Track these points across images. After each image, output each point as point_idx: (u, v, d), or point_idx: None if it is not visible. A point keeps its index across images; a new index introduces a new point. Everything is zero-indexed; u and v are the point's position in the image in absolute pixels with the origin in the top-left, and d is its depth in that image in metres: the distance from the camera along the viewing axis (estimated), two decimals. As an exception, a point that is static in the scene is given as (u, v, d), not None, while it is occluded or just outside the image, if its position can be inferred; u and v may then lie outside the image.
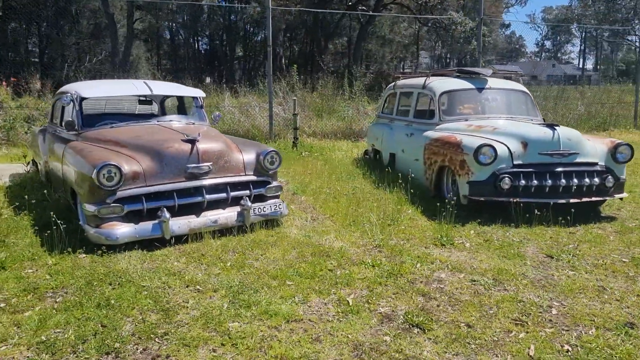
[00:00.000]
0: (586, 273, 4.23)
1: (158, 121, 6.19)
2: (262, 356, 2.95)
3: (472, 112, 7.13)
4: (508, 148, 5.69)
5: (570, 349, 3.05)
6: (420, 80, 7.95)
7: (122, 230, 4.67)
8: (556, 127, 5.82)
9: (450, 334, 3.20)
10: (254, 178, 5.41)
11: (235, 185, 5.28)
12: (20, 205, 5.93)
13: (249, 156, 5.46)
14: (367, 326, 3.31)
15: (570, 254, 4.62)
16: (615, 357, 2.96)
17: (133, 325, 3.27)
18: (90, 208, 4.68)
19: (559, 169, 5.66)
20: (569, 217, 5.44)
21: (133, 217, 4.82)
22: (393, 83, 9.08)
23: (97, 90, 6.25)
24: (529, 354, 2.98)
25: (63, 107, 6.52)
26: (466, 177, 5.76)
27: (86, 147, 5.26)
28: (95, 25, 27.98)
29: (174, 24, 32.44)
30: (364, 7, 25.28)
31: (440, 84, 7.35)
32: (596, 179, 5.74)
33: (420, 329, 3.27)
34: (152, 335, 3.16)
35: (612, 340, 3.14)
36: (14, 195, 6.59)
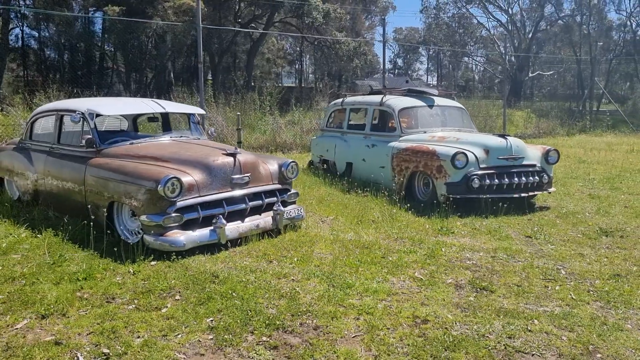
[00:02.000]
0: (562, 246, 5.62)
1: (171, 137, 6.56)
2: (398, 318, 3.77)
3: (426, 125, 8.45)
4: (474, 155, 7.03)
5: (592, 292, 4.31)
6: (374, 98, 9.11)
7: (186, 237, 5.10)
8: (507, 137, 7.32)
9: (511, 292, 4.30)
10: (279, 186, 6.10)
11: (267, 193, 5.93)
12: (30, 226, 5.96)
13: (273, 167, 6.14)
14: (449, 292, 4.28)
15: (542, 234, 6.03)
16: (619, 294, 4.27)
17: (274, 309, 3.89)
18: (153, 219, 5.03)
19: (513, 170, 7.14)
20: (523, 208, 6.92)
21: (187, 225, 5.27)
22: (340, 100, 10.16)
23: (113, 109, 6.44)
24: (572, 297, 4.18)
25: (61, 125, 6.58)
26: (443, 180, 6.99)
27: (127, 163, 5.54)
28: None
29: (44, 33, 30.32)
30: (253, 25, 26.16)
31: (398, 101, 8.57)
32: (536, 177, 7.31)
33: (487, 290, 4.33)
34: (298, 313, 3.81)
35: (610, 285, 4.47)
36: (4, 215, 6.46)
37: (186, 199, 5.19)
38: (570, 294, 4.24)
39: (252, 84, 25.13)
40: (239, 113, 11.39)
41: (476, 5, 43.09)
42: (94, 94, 16.59)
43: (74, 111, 6.27)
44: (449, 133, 7.96)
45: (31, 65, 32.47)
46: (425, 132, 8.16)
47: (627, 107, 30.35)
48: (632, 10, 35.93)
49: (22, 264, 4.81)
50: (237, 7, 26.64)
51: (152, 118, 7.17)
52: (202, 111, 7.10)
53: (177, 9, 19.87)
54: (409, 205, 7.13)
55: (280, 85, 40.12)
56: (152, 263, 4.85)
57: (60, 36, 27.08)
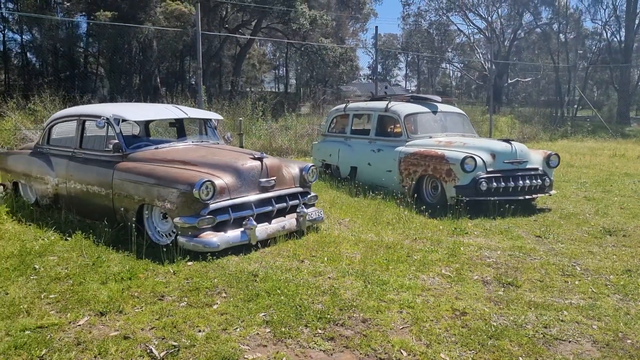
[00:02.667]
0: (571, 245, 5.96)
1: (193, 142, 6.74)
2: (438, 311, 4.03)
3: (431, 131, 8.76)
4: (482, 159, 7.36)
5: (609, 286, 4.63)
6: (378, 104, 9.41)
7: (219, 238, 5.29)
8: (512, 142, 7.67)
9: (535, 287, 4.60)
10: (300, 189, 6.33)
11: (290, 196, 6.15)
12: (57, 229, 6.08)
13: (294, 171, 6.37)
14: (479, 287, 4.56)
15: (551, 234, 6.37)
16: (634, 287, 4.60)
17: (320, 305, 4.11)
18: (187, 221, 5.21)
19: (518, 174, 7.49)
20: (528, 209, 7.27)
21: (217, 227, 5.45)
22: (343, 105, 10.43)
23: (138, 114, 6.59)
24: (592, 291, 4.49)
25: (83, 130, 6.70)
26: (453, 183, 7.30)
27: (158, 167, 5.70)
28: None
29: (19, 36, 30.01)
30: (241, 31, 26.33)
31: (403, 107, 8.88)
32: (539, 180, 7.68)
33: (513, 285, 4.62)
34: (344, 308, 4.05)
35: (624, 280, 4.80)
36: (25, 218, 6.54)
37: (218, 202, 5.38)
38: (591, 288, 4.56)
39: (240, 89, 25.21)
40: (241, 118, 11.59)
41: (456, 13, 44.01)
42: (76, 97, 16.50)
43: (97, 117, 6.40)
44: (454, 138, 8.28)
45: (13, 70, 32.06)
46: (430, 137, 8.48)
47: (603, 113, 31.39)
48: (607, 19, 37.13)
49: (61, 265, 4.94)
50: (225, 13, 26.77)
51: (173, 124, 7.32)
52: (220, 117, 7.29)
53: (169, 14, 19.95)
54: (419, 207, 7.41)
55: (265, 90, 40.36)
56: (189, 263, 5.02)
57: (44, 40, 26.81)
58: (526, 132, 22.13)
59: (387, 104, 9.09)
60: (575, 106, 35.28)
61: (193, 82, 34.46)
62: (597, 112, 28.90)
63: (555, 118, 27.93)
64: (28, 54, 30.90)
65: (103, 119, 6.31)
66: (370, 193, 8.32)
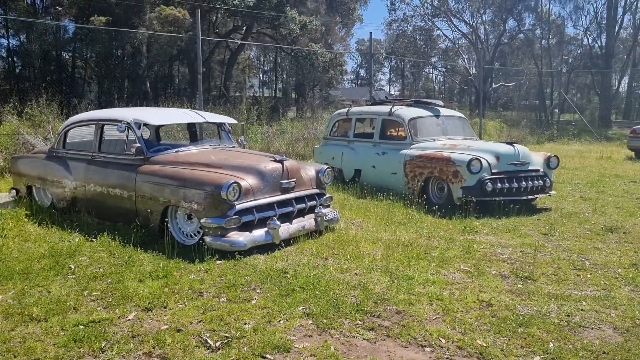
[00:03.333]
0: (577, 242, 6.27)
1: (210, 145, 6.93)
2: (466, 302, 4.28)
3: (434, 134, 9.05)
4: (487, 161, 7.66)
5: (619, 279, 4.93)
6: (382, 108, 9.68)
7: (245, 237, 5.49)
8: (514, 144, 7.99)
9: (551, 280, 4.88)
10: (317, 191, 6.55)
11: (309, 197, 6.36)
12: (80, 232, 6.23)
13: (311, 173, 6.59)
14: (498, 281, 4.82)
15: (556, 232, 6.68)
16: (644, 280, 4.92)
17: (354, 298, 4.33)
18: (214, 221, 5.40)
19: (521, 175, 7.81)
20: (530, 209, 7.58)
21: (241, 227, 5.65)
22: (345, 110, 10.68)
23: (160, 119, 6.75)
24: (605, 283, 4.79)
25: (102, 134, 6.84)
26: (460, 184, 7.59)
27: (183, 170, 5.88)
28: None
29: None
30: (232, 36, 26.50)
31: (407, 111, 9.16)
32: (540, 181, 8.00)
33: (530, 279, 4.89)
34: (377, 301, 4.27)
35: (633, 273, 5.11)
36: (46, 220, 6.66)
37: (243, 202, 5.58)
38: (603, 281, 4.85)
39: (230, 94, 25.36)
40: (242, 122, 11.75)
41: (442, 19, 44.63)
42: (75, 103, 16.51)
43: (117, 121, 6.55)
44: (458, 141, 8.58)
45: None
46: (434, 140, 8.76)
47: (586, 117, 32.15)
48: (588, 25, 38.06)
49: (94, 265, 5.09)
50: (215, 18, 26.93)
51: (191, 127, 7.49)
52: (234, 121, 7.49)
53: (163, 19, 20.03)
54: (427, 208, 7.68)
55: (250, 95, 40.47)
56: (218, 262, 5.21)
57: (32, 44, 26.67)
58: (514, 135, 22.61)
59: (391, 108, 9.35)
60: (556, 110, 36.08)
61: (184, 87, 34.59)
62: (582, 116, 29.61)
63: (541, 122, 28.56)
64: (15, 59, 30.62)
65: (124, 123, 6.46)
66: (377, 195, 8.57)
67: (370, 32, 22.78)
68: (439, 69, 63.18)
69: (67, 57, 29.77)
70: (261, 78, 62.78)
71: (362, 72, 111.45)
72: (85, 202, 6.84)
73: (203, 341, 3.54)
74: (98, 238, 5.90)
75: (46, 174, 7.35)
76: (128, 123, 6.44)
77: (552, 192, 8.35)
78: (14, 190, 8.05)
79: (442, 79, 76.68)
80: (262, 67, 44.22)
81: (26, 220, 6.69)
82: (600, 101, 35.72)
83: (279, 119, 17.93)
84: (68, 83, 28.43)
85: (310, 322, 3.90)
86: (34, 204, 7.42)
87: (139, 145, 6.29)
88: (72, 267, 4.99)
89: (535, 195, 8.00)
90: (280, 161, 6.07)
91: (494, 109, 41.42)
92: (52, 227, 6.44)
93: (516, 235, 6.52)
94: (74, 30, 24.34)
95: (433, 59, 61.01)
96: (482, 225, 7.03)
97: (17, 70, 31.10)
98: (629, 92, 42.93)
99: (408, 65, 74.71)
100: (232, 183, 5.39)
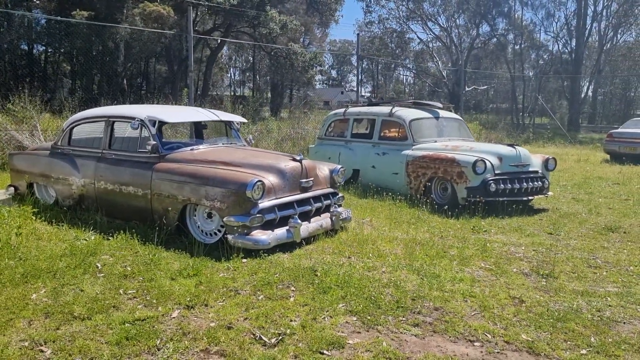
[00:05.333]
0: (583, 241, 6.50)
1: (223, 144, 6.90)
2: (499, 299, 4.41)
3: (434, 135, 9.22)
4: (490, 162, 7.86)
5: (635, 275, 5.15)
6: (381, 109, 9.80)
7: (268, 236, 5.50)
8: (516, 146, 8.21)
9: (571, 278, 5.06)
10: (331, 190, 6.61)
11: (324, 196, 6.42)
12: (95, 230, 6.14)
13: (325, 172, 6.64)
14: (522, 279, 4.98)
15: (560, 231, 6.90)
16: (657, 277, 5.16)
17: (389, 296, 4.41)
18: (238, 219, 5.40)
19: (522, 176, 8.03)
20: (529, 209, 7.81)
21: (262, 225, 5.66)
22: (342, 110, 10.76)
23: (175, 116, 6.68)
24: (622, 280, 5.00)
25: (112, 131, 6.74)
26: (464, 184, 7.76)
27: (203, 168, 5.85)
28: None
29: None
30: (212, 35, 26.28)
31: (408, 112, 9.30)
32: (539, 182, 8.25)
33: (552, 277, 5.06)
34: (414, 298, 4.36)
35: (643, 271, 5.35)
36: (54, 219, 6.53)
37: (266, 201, 5.60)
38: (620, 278, 5.06)
39: (208, 92, 25.14)
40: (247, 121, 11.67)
41: (416, 22, 45.22)
42: (62, 98, 16.15)
43: (130, 118, 6.47)
44: (459, 142, 8.77)
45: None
46: (436, 142, 8.93)
47: (556, 121, 33.05)
48: (559, 32, 39.16)
49: (119, 264, 5.03)
50: (195, 16, 26.64)
51: (203, 126, 7.44)
52: (244, 120, 7.48)
53: (147, 16, 19.71)
54: (431, 207, 7.82)
55: (224, 94, 40.19)
56: (244, 260, 5.21)
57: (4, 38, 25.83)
58: (491, 137, 23.09)
59: (392, 110, 9.48)
60: (527, 114, 37.01)
61: (160, 85, 34.06)
62: (556, 120, 30.44)
63: (517, 125, 29.25)
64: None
65: (138, 120, 6.38)
66: (378, 195, 8.66)
67: (358, 34, 22.94)
68: (412, 70, 63.94)
69: (40, 51, 28.98)
70: (233, 77, 62.45)
71: (334, 73, 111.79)
72: (94, 200, 6.72)
73: (257, 338, 3.56)
74: (115, 236, 5.81)
75: (51, 171, 7.19)
76: (142, 120, 6.36)
77: (550, 193, 8.62)
78: (12, 188, 7.84)
79: (412, 81, 77.47)
80: (234, 65, 43.95)
81: (34, 218, 6.54)
82: (569, 105, 36.79)
83: (266, 119, 17.90)
84: (40, 79, 27.69)
85: (354, 318, 3.96)
86: (38, 202, 7.25)
87: (155, 142, 6.22)
88: (99, 265, 4.91)
89: (534, 196, 8.24)
90: (300, 160, 6.10)
91: (467, 112, 42.17)
92: (61, 225, 6.31)
93: (524, 234, 6.71)
94: (50, 24, 23.67)
95: (405, 61, 61.78)
96: (489, 225, 7.21)
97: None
98: (594, 98, 44.38)
99: (380, 67, 75.38)
100: (257, 182, 5.40)
